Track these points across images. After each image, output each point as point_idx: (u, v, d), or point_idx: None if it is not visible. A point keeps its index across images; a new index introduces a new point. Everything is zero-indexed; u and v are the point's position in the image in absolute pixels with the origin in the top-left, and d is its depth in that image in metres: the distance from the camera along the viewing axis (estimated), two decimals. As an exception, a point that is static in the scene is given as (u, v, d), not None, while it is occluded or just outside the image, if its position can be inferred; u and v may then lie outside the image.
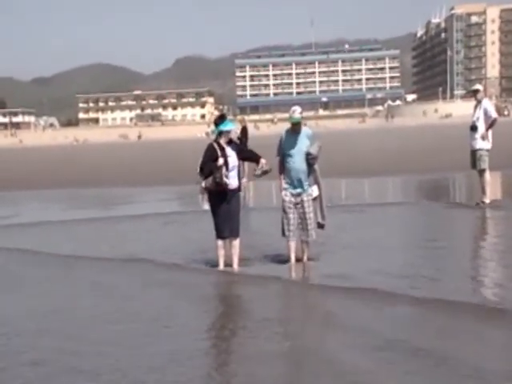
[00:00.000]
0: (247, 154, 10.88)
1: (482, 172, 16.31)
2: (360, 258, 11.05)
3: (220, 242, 10.60)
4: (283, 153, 10.56)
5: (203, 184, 10.34)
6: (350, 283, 9.21)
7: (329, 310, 8.30)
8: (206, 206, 10.73)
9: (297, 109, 10.46)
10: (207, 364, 6.50)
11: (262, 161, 10.43)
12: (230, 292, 9.85)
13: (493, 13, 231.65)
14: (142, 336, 7.39)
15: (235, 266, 10.59)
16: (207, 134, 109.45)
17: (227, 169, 10.27)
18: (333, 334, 7.19)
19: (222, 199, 10.38)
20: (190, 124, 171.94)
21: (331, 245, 11.83)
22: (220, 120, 10.52)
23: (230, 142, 10.55)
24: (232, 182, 10.37)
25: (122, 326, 7.85)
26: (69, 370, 6.40)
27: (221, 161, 10.23)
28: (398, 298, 8.31)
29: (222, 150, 10.35)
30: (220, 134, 10.44)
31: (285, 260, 10.74)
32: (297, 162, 10.40)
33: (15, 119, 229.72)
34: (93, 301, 9.24)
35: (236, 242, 10.58)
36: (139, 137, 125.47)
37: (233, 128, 10.59)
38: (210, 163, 10.28)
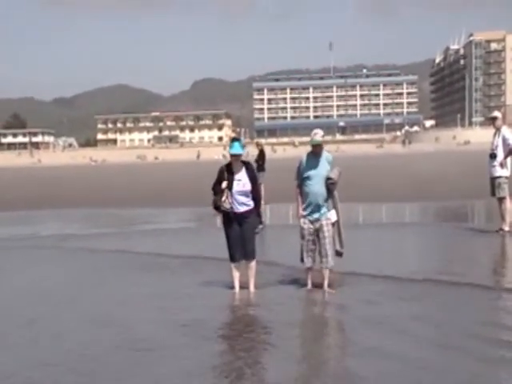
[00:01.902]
0: (254, 194, 10.42)
1: (501, 199, 16.28)
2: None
3: (232, 265, 10.60)
4: (302, 176, 10.42)
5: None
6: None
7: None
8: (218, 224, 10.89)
9: (318, 132, 10.40)
10: None
11: (258, 220, 10.50)
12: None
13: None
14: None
15: (252, 287, 10.56)
16: (224, 156, 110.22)
17: (231, 192, 10.27)
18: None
19: (231, 222, 10.41)
20: (208, 146, 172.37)
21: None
22: (230, 143, 10.51)
23: (247, 168, 10.46)
24: (238, 206, 10.32)
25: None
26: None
27: (224, 184, 10.28)
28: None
29: (231, 173, 10.35)
30: (230, 156, 10.48)
31: (302, 285, 10.68)
32: (316, 185, 10.27)
33: (35, 139, 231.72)
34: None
35: (252, 264, 10.53)
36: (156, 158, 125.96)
37: (237, 153, 10.28)
38: (217, 186, 10.41)
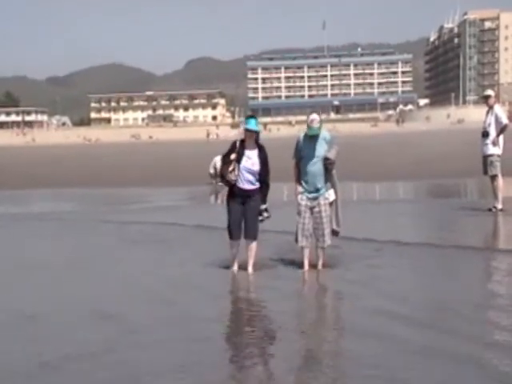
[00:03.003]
0: (263, 178, 10.34)
1: (493, 178, 16.39)
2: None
3: (231, 242, 10.53)
4: (300, 156, 10.27)
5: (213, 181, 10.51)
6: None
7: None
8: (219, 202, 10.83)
9: (315, 118, 10.06)
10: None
11: (263, 207, 10.35)
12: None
13: (506, 18, 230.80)
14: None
15: (250, 269, 10.41)
16: (207, 134, 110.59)
17: (239, 167, 10.20)
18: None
19: (235, 198, 10.35)
20: (202, 125, 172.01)
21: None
22: (246, 118, 10.55)
23: (260, 150, 10.35)
24: (244, 182, 10.25)
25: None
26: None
27: (232, 156, 10.23)
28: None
29: (242, 147, 10.31)
30: (245, 131, 10.40)
31: (299, 266, 10.51)
32: (314, 165, 10.12)
33: (28, 118, 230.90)
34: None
35: (253, 245, 10.42)
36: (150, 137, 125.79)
37: (252, 128, 10.21)
38: (227, 156, 10.37)
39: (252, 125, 10.27)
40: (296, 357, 6.54)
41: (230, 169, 10.19)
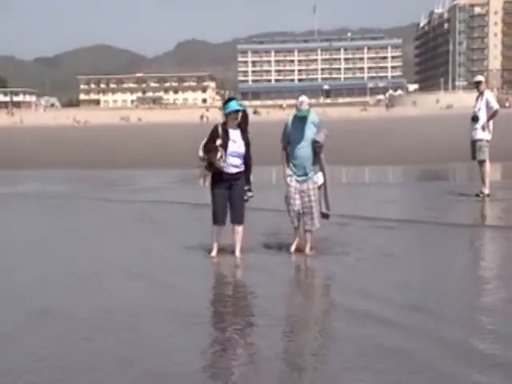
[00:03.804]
0: (247, 159, 10.34)
1: (481, 163, 16.47)
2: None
3: (214, 228, 10.37)
4: (288, 140, 10.24)
5: (204, 164, 10.25)
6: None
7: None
8: (207, 184, 10.54)
9: (305, 100, 10.05)
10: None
11: (246, 187, 10.34)
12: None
13: (496, 4, 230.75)
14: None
15: (238, 252, 10.34)
16: (201, 116, 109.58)
17: (225, 151, 10.07)
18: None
19: (221, 183, 10.21)
20: (192, 108, 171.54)
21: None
22: (225, 103, 10.33)
23: (243, 131, 10.35)
24: (231, 167, 10.15)
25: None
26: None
27: (218, 141, 10.08)
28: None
29: (225, 132, 10.15)
30: (226, 116, 10.23)
31: (286, 248, 10.52)
32: (303, 149, 10.10)
33: (16, 98, 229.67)
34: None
35: (240, 229, 10.35)
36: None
37: (233, 109, 10.10)
38: (210, 143, 10.19)
39: (235, 105, 10.20)
40: (278, 343, 6.44)
41: (218, 156, 10.02)
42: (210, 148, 10.15)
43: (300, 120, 10.12)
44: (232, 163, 10.16)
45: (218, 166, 10.06)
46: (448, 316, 7.06)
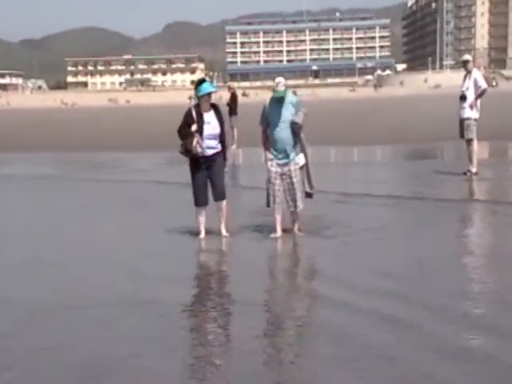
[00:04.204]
0: (223, 138, 10.33)
1: (469, 141, 16.52)
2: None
3: (197, 209, 10.36)
4: (267, 122, 10.19)
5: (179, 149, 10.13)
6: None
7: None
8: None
9: (281, 81, 10.05)
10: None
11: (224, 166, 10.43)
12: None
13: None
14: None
15: (223, 230, 10.33)
16: (189, 97, 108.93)
17: (201, 136, 9.98)
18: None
19: (200, 166, 10.15)
20: (181, 90, 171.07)
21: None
22: (197, 85, 10.20)
23: (216, 110, 10.23)
24: (208, 150, 10.07)
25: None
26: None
27: (194, 127, 9.96)
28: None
29: (200, 115, 10.03)
30: (199, 99, 10.14)
31: (272, 231, 10.38)
32: (282, 131, 10.04)
33: (2, 81, 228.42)
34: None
35: (223, 205, 10.35)
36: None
37: (206, 92, 10.02)
38: (185, 128, 10.08)
39: (207, 87, 10.11)
40: (260, 325, 6.40)
41: (195, 142, 9.89)
42: (185, 134, 10.04)
43: (277, 101, 10.09)
44: (208, 145, 10.09)
45: (195, 152, 9.97)
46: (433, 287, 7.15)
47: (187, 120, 10.07)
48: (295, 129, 10.03)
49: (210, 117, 10.10)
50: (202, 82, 10.28)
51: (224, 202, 10.37)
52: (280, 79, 10.13)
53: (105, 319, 6.69)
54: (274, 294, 7.70)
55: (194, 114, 10.04)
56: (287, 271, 8.80)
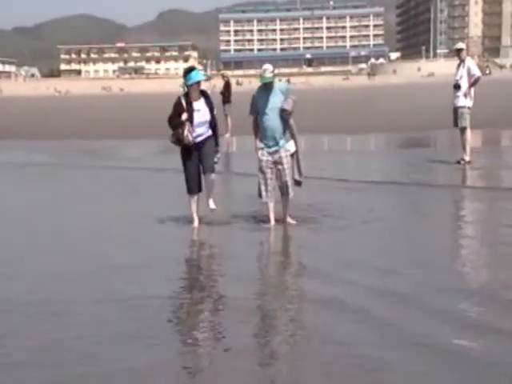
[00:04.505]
0: (213, 125, 10.30)
1: (463, 130, 16.57)
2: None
3: (190, 197, 10.32)
4: (257, 111, 10.13)
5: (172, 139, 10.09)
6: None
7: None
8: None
9: (268, 68, 9.98)
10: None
11: (217, 152, 10.32)
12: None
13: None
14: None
15: (211, 203, 10.26)
16: (181, 85, 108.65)
17: (192, 124, 9.96)
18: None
19: (191, 154, 10.14)
20: (174, 78, 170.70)
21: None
22: (186, 74, 10.14)
23: (206, 97, 10.22)
24: (198, 138, 10.05)
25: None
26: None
27: (184, 116, 9.91)
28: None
29: (189, 104, 10.00)
30: (188, 87, 10.10)
31: (264, 221, 10.37)
32: (271, 119, 9.97)
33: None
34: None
35: (212, 177, 10.25)
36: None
37: (195, 80, 10.00)
38: (175, 118, 10.03)
39: (197, 75, 10.09)
40: (251, 319, 6.26)
41: (186, 132, 9.88)
42: (176, 124, 10.00)
43: (265, 89, 10.05)
44: (198, 133, 10.07)
45: (187, 142, 9.96)
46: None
47: (177, 109, 10.02)
48: (285, 116, 9.97)
49: (199, 104, 10.09)
50: (190, 70, 10.24)
51: (213, 175, 10.27)
52: (267, 66, 10.07)
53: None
54: (265, 288, 7.43)
55: (183, 102, 10.01)
56: (278, 263, 8.63)
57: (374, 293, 6.79)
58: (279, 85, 10.21)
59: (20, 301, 6.97)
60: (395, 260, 8.18)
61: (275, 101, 9.96)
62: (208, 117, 10.14)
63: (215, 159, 10.28)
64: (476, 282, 7.22)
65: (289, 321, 6.28)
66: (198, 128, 10.04)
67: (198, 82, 10.10)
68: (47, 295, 7.15)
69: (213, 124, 10.27)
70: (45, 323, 6.24)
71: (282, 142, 10.09)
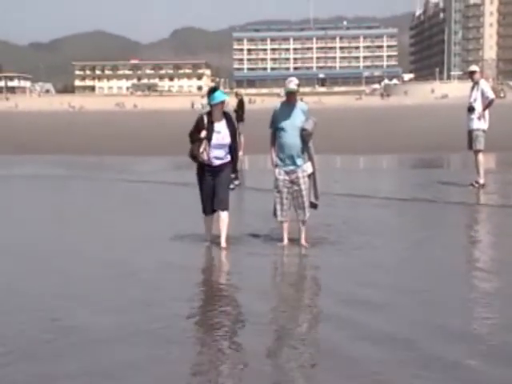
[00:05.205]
0: (233, 149, 10.09)
1: (477, 152, 16.52)
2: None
3: (205, 217, 10.21)
4: (276, 126, 10.00)
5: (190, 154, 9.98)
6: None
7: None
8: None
9: (293, 79, 9.98)
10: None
11: (233, 175, 10.09)
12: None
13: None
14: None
15: (223, 242, 9.99)
16: (202, 105, 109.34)
17: (209, 144, 9.81)
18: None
19: (205, 174, 9.99)
20: (187, 95, 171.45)
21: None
22: (210, 93, 9.98)
23: (228, 120, 10.06)
24: (215, 160, 9.89)
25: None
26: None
27: (203, 134, 9.79)
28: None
29: (211, 123, 9.87)
30: (211, 107, 9.93)
31: (278, 240, 10.21)
32: (291, 137, 9.85)
33: (11, 83, 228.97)
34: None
35: (224, 216, 10.00)
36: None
37: (219, 100, 9.83)
38: (195, 134, 9.93)
39: (220, 95, 9.89)
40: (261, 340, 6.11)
41: (202, 149, 9.76)
42: (194, 140, 9.92)
43: (288, 106, 10.00)
44: (215, 156, 9.91)
45: (201, 159, 9.85)
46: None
47: (198, 125, 9.91)
48: (305, 136, 9.87)
49: (220, 126, 9.92)
50: (214, 89, 10.09)
51: (225, 213, 10.03)
52: (292, 78, 10.08)
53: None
54: (277, 307, 7.32)
55: (205, 120, 9.90)
56: (291, 285, 8.44)
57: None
58: (301, 105, 10.11)
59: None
60: (404, 280, 8.21)
61: (296, 119, 9.88)
62: (228, 140, 9.94)
63: (231, 186, 10.08)
64: None
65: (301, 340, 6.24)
66: (216, 150, 9.87)
67: (222, 102, 9.94)
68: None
69: (232, 148, 10.07)
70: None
71: (299, 162, 9.96)
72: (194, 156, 9.90)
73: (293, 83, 9.90)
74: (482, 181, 16.38)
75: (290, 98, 9.97)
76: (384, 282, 8.09)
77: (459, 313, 6.87)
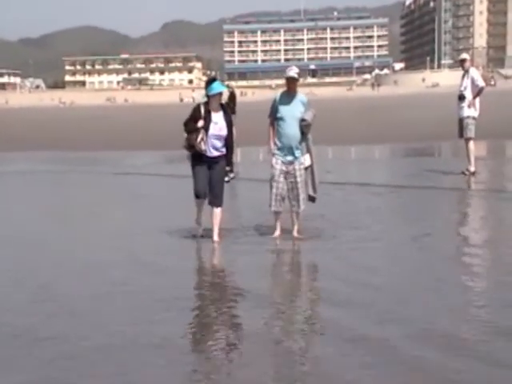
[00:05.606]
0: (228, 142, 10.04)
1: (468, 140, 16.56)
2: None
3: (197, 202, 10.14)
4: (275, 116, 9.93)
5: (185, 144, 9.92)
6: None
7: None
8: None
9: (293, 68, 10.01)
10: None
11: (228, 168, 10.11)
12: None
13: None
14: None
15: (215, 236, 9.99)
16: (181, 99, 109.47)
17: (206, 134, 9.76)
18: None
19: (202, 162, 9.92)
20: (178, 89, 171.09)
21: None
22: (208, 84, 9.94)
23: (225, 111, 10.05)
24: (212, 150, 9.88)
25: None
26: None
27: (200, 123, 9.74)
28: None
29: (208, 112, 9.82)
30: (209, 98, 9.89)
31: (271, 232, 10.17)
32: (290, 127, 9.80)
33: (1, 80, 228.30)
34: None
35: (217, 211, 10.03)
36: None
37: (218, 91, 9.78)
38: (191, 123, 9.87)
39: (218, 86, 9.85)
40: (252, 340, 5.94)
41: (199, 138, 9.71)
42: (190, 129, 9.85)
43: (288, 96, 9.97)
44: (213, 145, 9.88)
45: (199, 149, 9.78)
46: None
47: (194, 115, 9.87)
48: (303, 127, 9.84)
49: (217, 117, 9.88)
50: (212, 80, 10.06)
51: (219, 209, 10.08)
52: (293, 67, 10.15)
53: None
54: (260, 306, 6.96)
55: (202, 110, 9.86)
56: (282, 276, 8.49)
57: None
58: (301, 96, 10.05)
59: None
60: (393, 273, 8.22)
61: (296, 110, 9.86)
62: (224, 132, 9.91)
63: (226, 179, 10.09)
64: None
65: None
66: (213, 140, 9.85)
67: (220, 93, 9.94)
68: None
69: (228, 141, 10.04)
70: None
71: (297, 153, 9.95)
72: (191, 146, 9.82)
73: (293, 71, 9.91)
74: (472, 168, 16.44)
75: (290, 86, 9.98)
76: (380, 271, 8.15)
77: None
